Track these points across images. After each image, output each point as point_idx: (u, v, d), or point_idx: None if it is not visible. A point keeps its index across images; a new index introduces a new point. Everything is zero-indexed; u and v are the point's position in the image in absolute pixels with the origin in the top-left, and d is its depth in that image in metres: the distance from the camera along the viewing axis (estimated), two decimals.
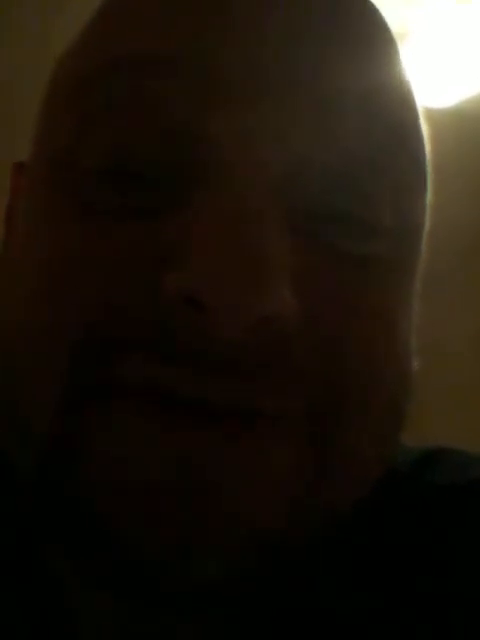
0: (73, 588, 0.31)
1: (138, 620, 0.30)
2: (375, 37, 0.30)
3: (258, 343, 0.26)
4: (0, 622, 0.31)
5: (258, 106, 0.27)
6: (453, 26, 1.37)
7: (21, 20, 1.27)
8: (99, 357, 0.26)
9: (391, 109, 0.29)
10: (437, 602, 0.31)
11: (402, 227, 0.30)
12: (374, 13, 0.31)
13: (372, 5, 0.31)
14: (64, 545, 0.29)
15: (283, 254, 0.26)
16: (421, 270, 0.32)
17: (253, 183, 0.26)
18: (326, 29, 0.29)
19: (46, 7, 1.26)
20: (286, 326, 0.26)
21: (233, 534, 0.26)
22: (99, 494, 0.26)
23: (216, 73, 0.27)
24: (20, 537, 0.32)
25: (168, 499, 0.26)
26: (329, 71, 0.28)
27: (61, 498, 0.27)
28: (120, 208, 0.27)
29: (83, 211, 0.28)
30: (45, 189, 0.29)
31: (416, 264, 0.32)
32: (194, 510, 0.26)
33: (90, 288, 0.27)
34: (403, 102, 0.30)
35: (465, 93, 1.49)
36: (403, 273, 0.30)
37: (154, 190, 0.27)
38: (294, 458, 0.27)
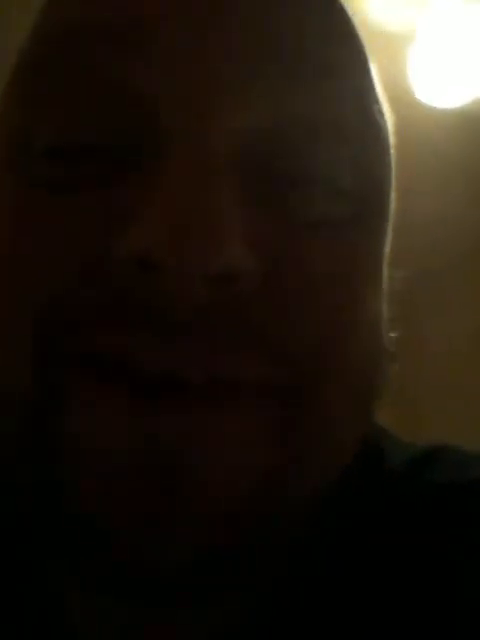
0: (70, 587, 0.31)
1: (137, 620, 0.30)
2: (332, 5, 0.30)
3: (217, 304, 0.25)
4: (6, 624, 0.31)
5: (213, 70, 0.27)
6: (460, 27, 1.36)
7: (21, 20, 1.26)
8: (62, 330, 0.27)
9: (346, 72, 0.29)
10: (437, 603, 0.31)
11: (362, 189, 0.29)
12: None
13: None
14: (48, 536, 0.29)
15: (236, 217, 0.26)
16: (389, 235, 0.32)
17: (206, 150, 0.26)
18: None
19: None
20: (244, 284, 0.26)
21: (203, 511, 0.26)
22: (69, 479, 0.26)
23: (166, 41, 0.27)
24: (16, 535, 0.32)
25: (136, 481, 0.26)
26: (288, 34, 0.28)
27: (37, 485, 0.27)
28: (71, 180, 0.27)
29: (36, 187, 0.28)
30: (2, 171, 0.30)
31: (381, 228, 0.31)
32: (162, 489, 0.26)
33: (45, 262, 0.27)
34: (358, 66, 0.30)
35: (471, 94, 1.49)
36: (366, 236, 0.30)
37: (105, 161, 0.27)
38: (262, 430, 0.27)
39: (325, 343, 0.27)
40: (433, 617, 0.30)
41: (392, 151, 0.32)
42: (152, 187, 0.26)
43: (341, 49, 0.30)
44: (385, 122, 0.31)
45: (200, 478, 0.26)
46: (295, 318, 0.27)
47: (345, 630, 0.30)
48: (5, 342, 0.28)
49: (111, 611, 0.30)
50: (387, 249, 0.32)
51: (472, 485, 0.33)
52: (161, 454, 0.26)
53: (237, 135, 0.27)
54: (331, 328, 0.28)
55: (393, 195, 0.32)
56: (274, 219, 0.27)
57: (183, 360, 0.26)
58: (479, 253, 1.70)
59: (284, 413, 0.27)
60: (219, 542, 0.26)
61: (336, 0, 0.31)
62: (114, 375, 0.26)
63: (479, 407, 1.60)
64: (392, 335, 0.32)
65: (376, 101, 0.31)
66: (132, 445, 0.26)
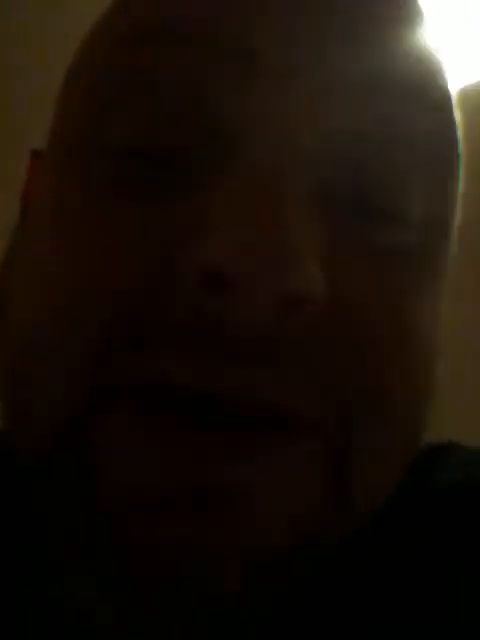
0: (87, 592, 0.30)
1: (150, 624, 0.30)
2: (407, 16, 0.29)
3: (281, 330, 0.24)
4: (8, 624, 0.31)
5: (290, 88, 0.26)
6: (457, 13, 1.36)
7: (21, 20, 1.26)
8: (119, 355, 0.25)
9: (425, 90, 0.28)
10: (443, 604, 0.30)
11: (430, 219, 0.28)
12: None
13: None
14: (77, 550, 0.29)
15: (313, 235, 0.25)
16: (447, 271, 0.31)
17: (284, 166, 0.25)
18: (356, 7, 0.28)
19: (46, 7, 1.26)
20: (316, 308, 0.24)
21: (248, 543, 0.25)
22: (113, 508, 0.25)
23: (247, 45, 0.26)
24: (27, 539, 0.32)
25: (182, 518, 0.25)
26: (360, 51, 0.27)
27: (72, 506, 0.26)
28: (139, 185, 0.26)
29: (96, 195, 0.27)
30: (60, 174, 0.29)
31: (441, 262, 0.30)
32: (209, 521, 0.25)
33: (104, 275, 0.25)
34: (432, 80, 0.29)
35: (468, 80, 1.48)
36: (426, 269, 0.29)
37: (177, 168, 0.26)
38: (310, 463, 0.26)
39: (392, 371, 0.26)
40: (442, 620, 0.30)
41: (460, 178, 0.31)
42: (225, 199, 0.24)
43: (427, 67, 0.29)
44: (458, 144, 0.30)
45: (247, 510, 0.25)
46: (357, 352, 0.26)
47: (348, 630, 0.30)
48: (50, 356, 0.26)
49: (113, 612, 0.30)
50: (443, 287, 0.30)
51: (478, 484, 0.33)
52: (209, 486, 0.24)
53: (313, 151, 0.26)
54: (390, 363, 0.26)
55: (457, 213, 0.31)
56: (348, 238, 0.26)
57: (239, 388, 0.25)
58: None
59: (332, 447, 0.26)
60: (261, 574, 0.26)
61: (415, 8, 0.30)
62: (164, 399, 0.25)
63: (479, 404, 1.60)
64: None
65: (452, 121, 0.30)
66: (179, 477, 0.24)
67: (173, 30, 0.27)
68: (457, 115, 0.31)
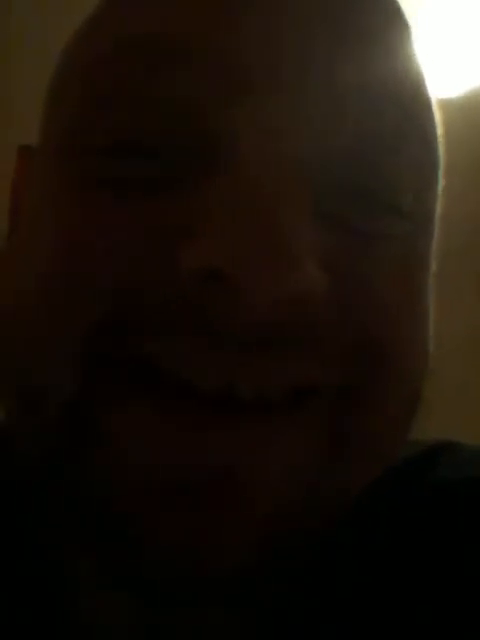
0: (88, 586, 0.31)
1: (153, 618, 0.30)
2: (388, 23, 0.30)
3: (286, 323, 0.25)
4: (11, 621, 0.31)
5: (276, 97, 0.26)
6: (459, 15, 1.36)
7: (21, 20, 1.27)
8: (115, 341, 0.26)
9: (404, 94, 0.29)
10: (443, 603, 0.30)
11: (420, 212, 0.29)
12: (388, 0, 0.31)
13: None
14: (77, 540, 0.29)
15: (310, 232, 0.25)
16: (432, 262, 0.32)
17: (274, 167, 0.25)
18: (341, 17, 0.28)
19: (46, 7, 1.26)
20: (316, 305, 0.25)
21: (249, 526, 0.26)
22: (114, 492, 0.26)
23: (235, 60, 0.26)
24: (27, 531, 0.32)
25: (184, 496, 0.25)
26: (344, 58, 0.27)
27: (73, 490, 0.27)
28: (131, 181, 0.26)
29: (95, 187, 0.27)
30: (52, 171, 0.29)
31: (429, 253, 0.31)
32: (210, 505, 0.25)
33: (102, 268, 0.26)
34: (415, 87, 0.30)
35: (471, 83, 1.48)
36: (419, 258, 0.30)
37: (175, 165, 0.26)
38: (312, 443, 0.26)
39: (391, 358, 0.27)
40: (441, 618, 0.30)
41: (440, 174, 0.32)
42: (221, 197, 0.25)
43: (411, 75, 0.30)
44: (438, 144, 0.31)
45: (248, 494, 0.25)
46: (365, 334, 0.27)
47: (348, 630, 0.30)
48: (50, 342, 0.27)
49: (120, 605, 0.30)
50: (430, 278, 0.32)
51: (478, 482, 0.33)
52: (210, 470, 0.25)
53: (301, 153, 0.26)
54: (396, 344, 0.27)
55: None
56: (343, 233, 0.27)
57: (240, 376, 0.25)
58: (478, 242, 1.70)
59: (336, 418, 0.27)
60: (263, 556, 0.26)
61: (397, 15, 0.31)
62: (164, 386, 0.25)
63: (478, 404, 1.60)
64: None
65: (432, 124, 0.31)
66: (181, 460, 0.25)
67: (159, 46, 0.27)
68: (437, 117, 0.31)
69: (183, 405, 0.25)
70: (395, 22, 0.30)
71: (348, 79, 0.27)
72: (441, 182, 0.32)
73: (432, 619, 0.30)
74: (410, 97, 0.29)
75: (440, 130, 0.32)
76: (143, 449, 0.25)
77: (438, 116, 0.31)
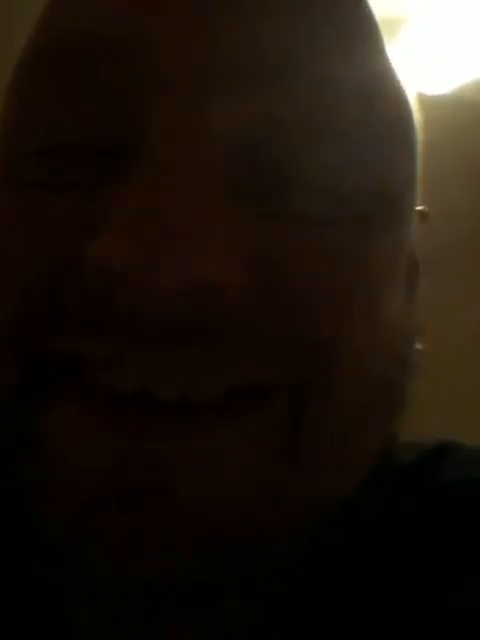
0: (72, 590, 0.30)
1: (136, 621, 0.30)
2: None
3: (194, 315, 0.24)
4: (11, 626, 0.31)
5: (182, 84, 0.26)
6: (451, 12, 1.36)
7: (21, 20, 1.25)
8: (39, 341, 0.26)
9: (351, 62, 0.28)
10: (444, 603, 0.30)
11: (372, 196, 0.28)
12: None
13: None
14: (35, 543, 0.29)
15: (218, 222, 0.25)
16: (411, 233, 0.31)
17: (188, 151, 0.25)
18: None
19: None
20: (228, 295, 0.25)
21: (186, 534, 0.25)
22: (48, 494, 0.26)
23: (146, 60, 0.26)
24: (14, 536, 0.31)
25: (118, 499, 0.25)
26: (280, 36, 0.27)
27: (17, 493, 0.27)
28: (52, 183, 0.27)
29: (21, 188, 0.28)
30: None
31: (397, 230, 0.29)
32: (145, 506, 0.25)
33: (23, 262, 0.26)
34: (366, 53, 0.29)
35: (463, 79, 1.49)
36: (374, 236, 0.28)
37: (91, 164, 0.27)
38: (253, 444, 0.26)
39: (337, 345, 0.26)
40: (439, 619, 0.30)
41: (417, 145, 0.31)
42: (125, 192, 0.25)
43: (345, 34, 0.28)
44: (404, 114, 0.30)
45: (190, 499, 0.25)
46: (286, 321, 0.26)
47: (347, 630, 0.30)
48: None
49: (113, 609, 0.30)
50: (410, 250, 0.31)
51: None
52: (145, 471, 0.25)
53: (221, 134, 0.26)
54: (341, 330, 0.26)
55: (417, 191, 0.31)
56: (272, 220, 0.26)
57: (154, 378, 0.25)
58: (474, 238, 1.70)
59: (288, 420, 0.26)
60: (216, 558, 0.26)
61: None
62: (86, 387, 0.26)
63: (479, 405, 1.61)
64: (418, 347, 0.31)
65: (393, 93, 0.29)
66: (112, 462, 0.25)
67: (90, 44, 0.27)
68: (412, 103, 0.30)
69: (104, 407, 0.25)
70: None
71: (284, 60, 0.27)
72: (419, 169, 0.31)
73: (433, 619, 0.30)
74: (351, 57, 0.28)
75: (414, 114, 0.31)
76: (71, 451, 0.25)
77: (407, 96, 0.30)
